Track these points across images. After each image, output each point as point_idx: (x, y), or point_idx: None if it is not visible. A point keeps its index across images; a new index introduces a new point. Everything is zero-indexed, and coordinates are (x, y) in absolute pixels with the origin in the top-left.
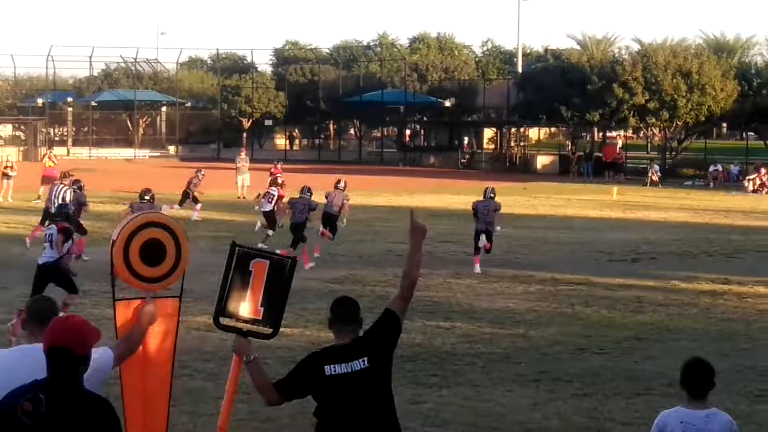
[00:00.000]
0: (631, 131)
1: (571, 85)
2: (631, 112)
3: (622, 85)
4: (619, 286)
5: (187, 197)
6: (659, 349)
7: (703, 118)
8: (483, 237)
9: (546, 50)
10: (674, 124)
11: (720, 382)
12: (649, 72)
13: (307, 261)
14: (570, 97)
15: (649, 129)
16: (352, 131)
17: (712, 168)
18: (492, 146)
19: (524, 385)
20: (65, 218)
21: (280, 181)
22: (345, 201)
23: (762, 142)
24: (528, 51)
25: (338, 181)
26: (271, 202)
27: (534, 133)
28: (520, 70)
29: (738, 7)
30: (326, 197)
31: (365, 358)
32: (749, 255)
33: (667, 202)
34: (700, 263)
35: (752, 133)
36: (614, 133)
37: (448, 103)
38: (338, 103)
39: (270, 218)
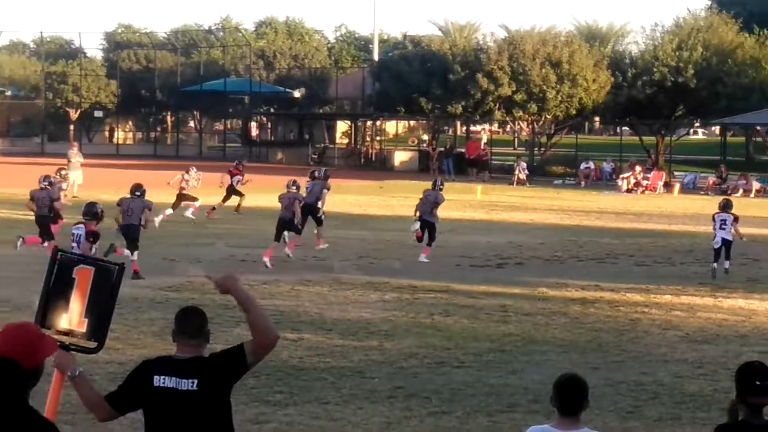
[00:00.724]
0: (496, 125)
1: (431, 74)
2: (497, 105)
3: (487, 75)
4: (483, 294)
5: (183, 199)
6: (525, 362)
7: (574, 112)
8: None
9: (405, 36)
10: (543, 118)
11: (590, 397)
12: (516, 61)
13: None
14: (431, 88)
15: (516, 123)
16: (192, 124)
17: (583, 165)
18: (346, 141)
19: (377, 402)
20: (93, 217)
21: (244, 181)
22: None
23: (637, 137)
24: (385, 37)
25: (293, 182)
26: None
27: (392, 126)
28: (376, 57)
29: None
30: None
31: (195, 381)
32: (622, 259)
33: (535, 202)
34: (570, 269)
35: (627, 128)
36: (479, 128)
37: (297, 94)
38: (176, 93)
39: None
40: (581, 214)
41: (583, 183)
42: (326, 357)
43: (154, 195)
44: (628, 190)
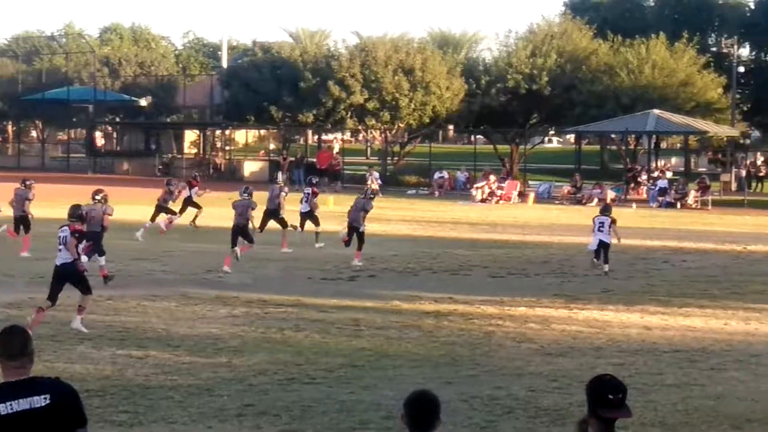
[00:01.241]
0: (349, 134)
1: (282, 82)
2: (349, 113)
3: (338, 82)
4: (334, 308)
5: (161, 211)
6: (377, 377)
7: (427, 120)
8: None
9: (254, 43)
10: (396, 126)
11: (444, 413)
12: (368, 68)
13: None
14: (281, 96)
15: (369, 132)
16: (34, 134)
17: (437, 175)
18: (194, 151)
19: (226, 420)
20: (78, 219)
21: (200, 193)
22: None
23: (491, 146)
24: (235, 44)
25: (245, 189)
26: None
27: (241, 136)
28: (225, 65)
29: (465, 1)
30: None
31: (48, 396)
32: (476, 271)
33: (388, 213)
34: (423, 281)
35: (481, 137)
36: (331, 137)
37: (143, 102)
38: (17, 102)
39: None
40: (435, 225)
41: (437, 193)
42: (173, 375)
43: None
44: (483, 200)
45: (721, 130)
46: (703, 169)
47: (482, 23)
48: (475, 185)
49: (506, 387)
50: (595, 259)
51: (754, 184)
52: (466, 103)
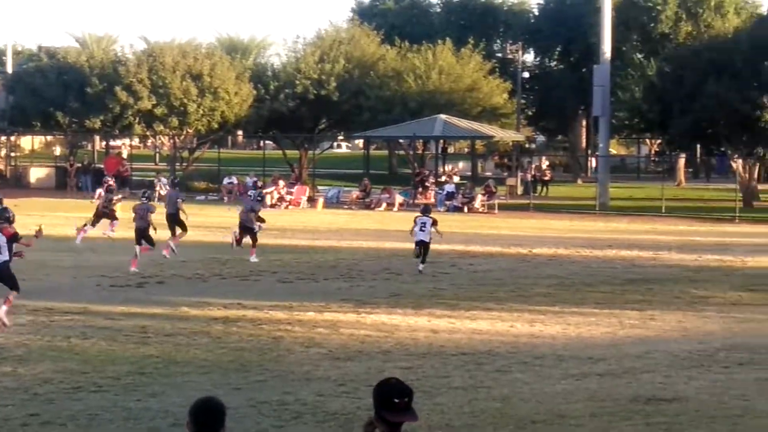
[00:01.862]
0: (137, 140)
1: (68, 87)
2: (137, 119)
3: (126, 88)
4: (122, 315)
5: (103, 217)
6: (165, 384)
7: (216, 125)
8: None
9: (40, 48)
10: (185, 132)
11: (232, 420)
12: (156, 74)
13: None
14: (67, 101)
15: (157, 137)
16: None
17: (226, 180)
18: None
19: (12, 430)
20: (7, 221)
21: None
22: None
23: (280, 151)
24: (20, 49)
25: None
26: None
27: (27, 142)
28: (10, 70)
29: (252, 7)
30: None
31: None
32: (266, 277)
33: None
34: (212, 287)
35: (270, 142)
36: (119, 142)
37: None
38: None
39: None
40: (225, 231)
41: (226, 198)
42: None
43: None
44: (272, 205)
45: (506, 135)
46: (490, 174)
47: (270, 29)
48: (264, 190)
49: (295, 392)
50: (416, 258)
51: (539, 188)
52: (255, 108)
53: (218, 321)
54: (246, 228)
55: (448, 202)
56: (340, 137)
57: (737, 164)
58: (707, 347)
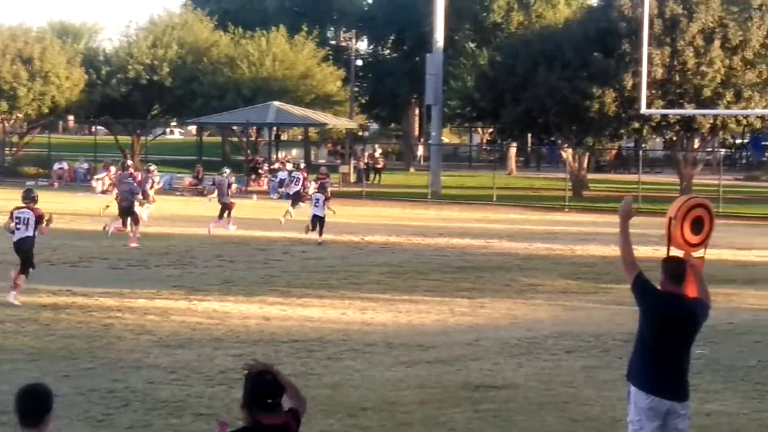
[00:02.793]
0: None
1: None
2: None
3: None
4: None
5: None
6: None
7: (46, 110)
8: None
9: None
10: (14, 117)
11: (60, 407)
12: None
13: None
14: None
15: None
16: None
17: (56, 166)
18: None
19: None
20: (32, 201)
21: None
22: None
23: (113, 137)
24: None
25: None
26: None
27: None
28: None
29: None
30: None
31: None
32: (96, 263)
33: (5, 205)
34: (42, 273)
35: (102, 127)
36: None
37: None
38: None
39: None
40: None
41: (56, 184)
42: None
43: None
44: (104, 191)
45: (340, 122)
46: (323, 161)
47: (102, 14)
48: (95, 176)
49: (124, 379)
50: (310, 231)
51: (372, 176)
52: (87, 93)
53: (47, 308)
54: (126, 211)
55: (281, 190)
56: (173, 123)
57: (567, 154)
58: (536, 335)
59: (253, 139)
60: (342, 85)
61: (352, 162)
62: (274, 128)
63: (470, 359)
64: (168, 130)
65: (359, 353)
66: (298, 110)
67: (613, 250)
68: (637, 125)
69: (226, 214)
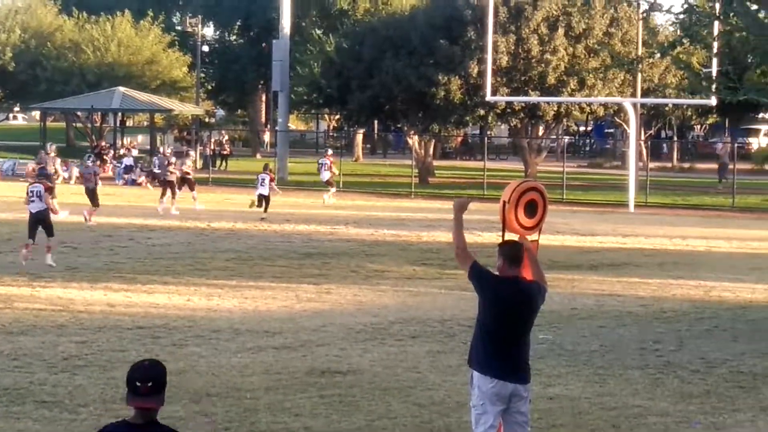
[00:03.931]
0: None
1: None
2: None
3: None
4: None
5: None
6: None
7: None
8: None
9: None
10: None
11: None
12: None
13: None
14: None
15: None
16: None
17: None
18: None
19: None
20: (47, 178)
21: None
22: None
23: None
24: None
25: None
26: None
27: None
28: None
29: None
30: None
31: None
32: None
33: None
34: None
35: None
36: None
37: None
38: None
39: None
40: None
41: None
42: None
43: None
44: None
45: (186, 109)
46: (170, 148)
47: None
48: None
49: None
50: (255, 206)
51: (218, 162)
52: None
53: None
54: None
55: (126, 176)
56: (16, 109)
57: (413, 140)
58: (382, 320)
59: (98, 124)
60: (188, 71)
61: (199, 148)
62: (120, 114)
63: (316, 345)
64: (11, 115)
65: (205, 339)
66: (143, 96)
67: None
68: (482, 112)
69: (170, 193)
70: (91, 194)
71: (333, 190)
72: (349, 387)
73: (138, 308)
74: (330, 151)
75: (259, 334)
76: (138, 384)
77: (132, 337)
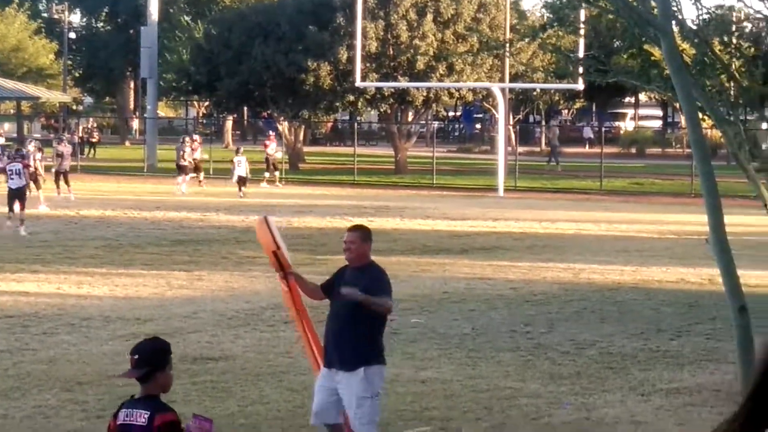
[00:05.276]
0: None
1: None
2: None
3: None
4: None
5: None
6: None
7: None
8: None
9: None
10: None
11: None
12: None
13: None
14: None
15: None
16: None
17: None
18: None
19: None
20: (23, 157)
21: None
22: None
23: None
24: None
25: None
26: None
27: None
28: None
29: None
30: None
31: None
32: None
33: None
34: None
35: None
36: None
37: None
38: None
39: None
40: None
41: None
42: None
43: None
44: None
45: (53, 96)
46: (38, 135)
47: None
48: None
49: None
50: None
51: (87, 150)
52: None
53: None
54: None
55: None
56: None
57: (283, 127)
58: (254, 306)
59: None
60: (55, 59)
61: (66, 136)
62: None
63: (188, 332)
64: None
65: (75, 327)
66: (9, 83)
67: (329, 222)
68: (352, 98)
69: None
70: (35, 180)
71: (189, 177)
72: (221, 373)
73: (7, 297)
74: (196, 137)
75: (131, 322)
76: (128, 356)
77: (1, 326)
